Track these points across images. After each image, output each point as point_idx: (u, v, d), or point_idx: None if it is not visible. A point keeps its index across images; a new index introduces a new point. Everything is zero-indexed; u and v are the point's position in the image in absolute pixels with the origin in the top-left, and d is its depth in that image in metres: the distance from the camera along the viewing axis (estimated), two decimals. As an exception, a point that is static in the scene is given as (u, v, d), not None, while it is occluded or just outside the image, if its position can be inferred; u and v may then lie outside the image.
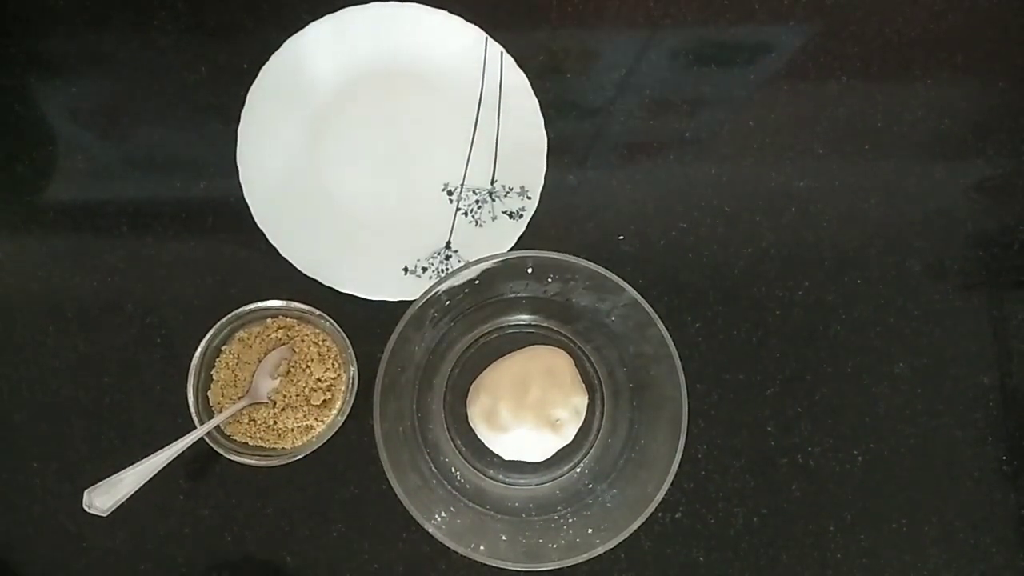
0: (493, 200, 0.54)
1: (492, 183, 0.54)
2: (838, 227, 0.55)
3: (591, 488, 0.48)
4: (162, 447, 0.46)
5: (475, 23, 0.54)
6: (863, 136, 0.57)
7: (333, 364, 0.50)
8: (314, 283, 0.51)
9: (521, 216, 0.53)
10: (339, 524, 0.51)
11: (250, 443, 0.49)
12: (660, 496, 0.41)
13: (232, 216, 0.52)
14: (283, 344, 0.50)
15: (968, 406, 0.54)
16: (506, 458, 0.50)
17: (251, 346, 0.50)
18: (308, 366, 0.49)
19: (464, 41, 0.55)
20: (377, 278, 0.52)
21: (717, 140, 0.57)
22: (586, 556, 0.41)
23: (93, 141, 0.55)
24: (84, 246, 0.53)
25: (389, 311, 0.51)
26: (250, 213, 0.52)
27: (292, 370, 0.49)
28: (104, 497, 0.44)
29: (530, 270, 0.45)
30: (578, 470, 0.50)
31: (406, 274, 0.53)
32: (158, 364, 0.52)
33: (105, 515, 0.44)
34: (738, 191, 0.56)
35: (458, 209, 0.54)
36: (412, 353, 0.47)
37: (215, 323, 0.48)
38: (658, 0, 0.58)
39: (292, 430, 0.49)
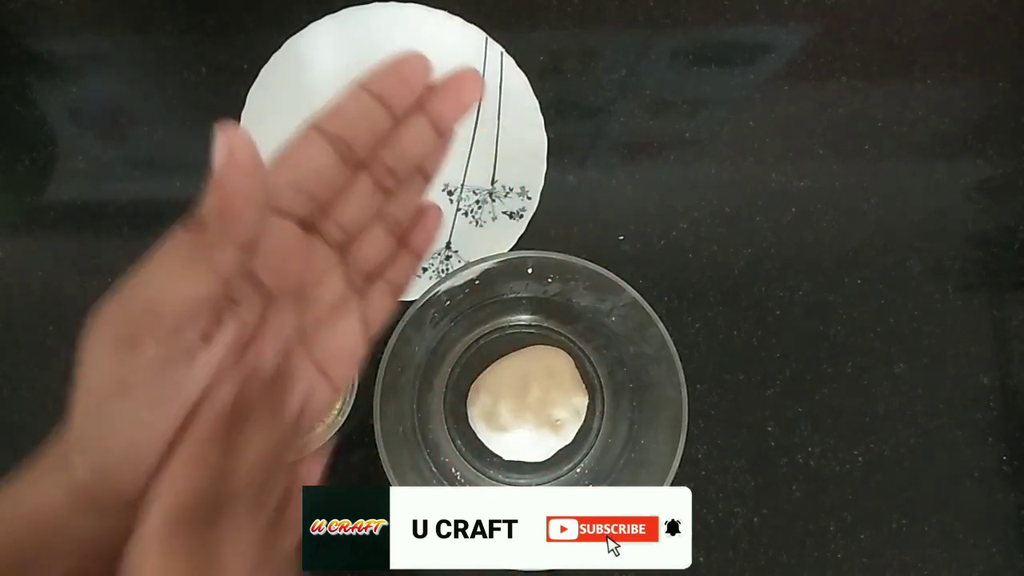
0: (493, 200, 0.54)
1: (492, 183, 0.54)
2: (838, 227, 0.55)
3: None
4: (162, 447, 0.46)
5: (475, 23, 0.54)
6: (863, 136, 0.57)
7: (333, 364, 0.50)
8: (314, 283, 0.51)
9: (521, 216, 0.53)
10: (339, 524, 0.51)
11: (250, 443, 0.49)
12: (660, 496, 0.41)
13: (232, 216, 0.52)
14: (283, 344, 0.50)
15: (968, 406, 0.54)
16: (506, 458, 0.50)
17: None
18: (308, 366, 0.49)
19: (464, 41, 0.54)
20: (377, 278, 0.52)
21: (717, 140, 0.57)
22: (586, 556, 0.41)
23: (93, 141, 0.55)
24: (84, 246, 0.53)
25: (389, 311, 0.51)
26: (250, 213, 0.52)
27: (292, 370, 0.49)
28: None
29: (530, 270, 0.45)
30: (578, 470, 0.50)
31: (406, 274, 0.53)
32: (158, 364, 0.52)
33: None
34: (738, 191, 0.56)
35: (458, 209, 0.54)
36: (412, 353, 0.47)
37: (215, 323, 0.48)
38: (658, 0, 0.58)
39: (292, 430, 0.49)
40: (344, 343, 0.25)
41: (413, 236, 0.27)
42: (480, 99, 0.27)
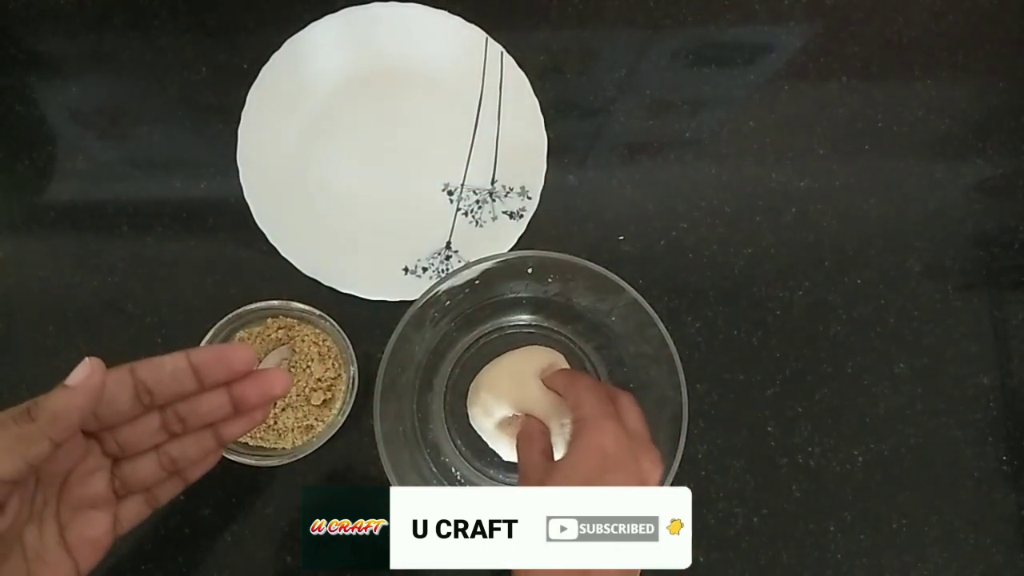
0: (493, 200, 0.54)
1: (492, 183, 0.54)
2: (838, 227, 0.55)
3: (591, 488, 0.48)
4: (162, 447, 0.46)
5: (475, 23, 0.54)
6: (863, 136, 0.57)
7: (333, 364, 0.50)
8: (314, 283, 0.51)
9: (521, 216, 0.53)
10: (339, 524, 0.51)
11: (250, 443, 0.49)
12: (660, 496, 0.41)
13: (232, 216, 0.52)
14: (283, 344, 0.50)
15: (968, 406, 0.54)
16: (506, 458, 0.50)
17: (251, 346, 0.50)
18: (308, 366, 0.49)
19: (464, 41, 0.55)
20: (377, 278, 0.52)
21: (717, 140, 0.57)
22: (586, 556, 0.41)
23: (93, 141, 0.55)
24: (84, 246, 0.53)
25: (389, 311, 0.51)
26: (250, 213, 0.52)
27: (292, 370, 0.49)
28: (104, 497, 0.44)
29: (530, 270, 0.45)
30: (578, 470, 0.50)
31: (406, 274, 0.53)
32: (158, 364, 0.52)
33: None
34: (738, 191, 0.56)
35: (458, 209, 0.54)
36: (412, 353, 0.47)
37: (215, 323, 0.48)
38: (658, 0, 0.58)
39: (292, 430, 0.49)
40: (92, 532, 0.30)
41: (189, 471, 0.33)
42: (284, 395, 0.38)
